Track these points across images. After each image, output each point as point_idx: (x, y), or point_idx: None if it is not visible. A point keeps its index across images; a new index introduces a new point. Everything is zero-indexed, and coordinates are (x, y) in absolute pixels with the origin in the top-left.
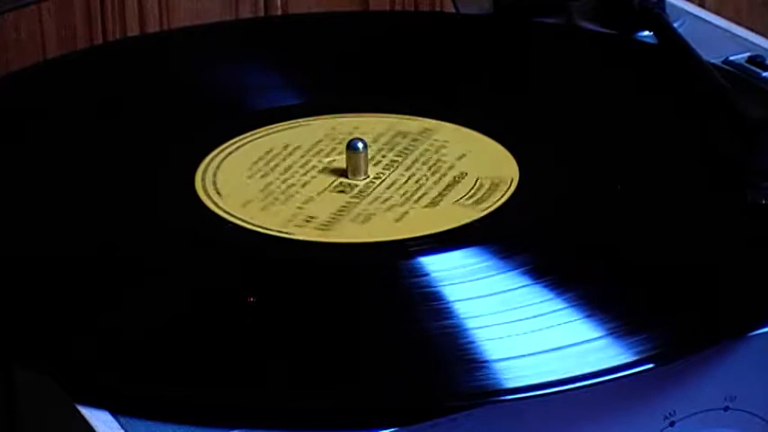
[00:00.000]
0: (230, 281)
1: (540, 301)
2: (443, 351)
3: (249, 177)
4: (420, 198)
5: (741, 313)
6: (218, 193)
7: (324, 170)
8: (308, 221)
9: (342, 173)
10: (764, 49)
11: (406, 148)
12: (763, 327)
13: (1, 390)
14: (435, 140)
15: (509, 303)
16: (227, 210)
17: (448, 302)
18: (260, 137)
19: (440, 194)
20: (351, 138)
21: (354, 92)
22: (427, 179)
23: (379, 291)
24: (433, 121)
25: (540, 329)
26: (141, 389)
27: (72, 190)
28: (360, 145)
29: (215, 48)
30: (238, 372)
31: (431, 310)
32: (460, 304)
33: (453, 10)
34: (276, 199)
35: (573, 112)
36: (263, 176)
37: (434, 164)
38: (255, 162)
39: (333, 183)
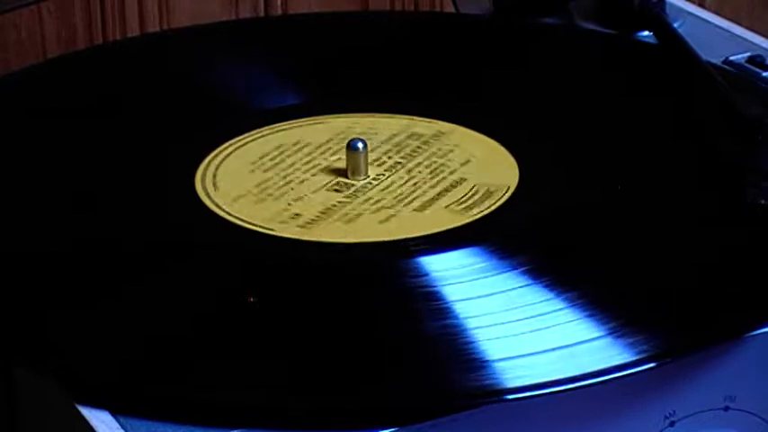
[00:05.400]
0: (221, 280)
1: (541, 301)
2: (443, 351)
3: (251, 172)
4: (411, 201)
5: (741, 313)
6: (215, 186)
7: (326, 169)
8: (293, 218)
9: (343, 172)
10: (764, 49)
11: (414, 151)
12: (763, 327)
13: (1, 390)
14: (446, 144)
15: (509, 303)
16: (218, 203)
17: (447, 302)
18: (272, 133)
19: (432, 199)
20: (352, 137)
21: (358, 92)
22: (425, 183)
23: (366, 291)
24: (448, 124)
25: (540, 329)
26: (141, 389)
27: (72, 190)
28: (360, 145)
29: (215, 48)
30: (238, 372)
31: (428, 310)
32: (460, 304)
33: (453, 10)
34: (270, 195)
35: (576, 115)
36: (264, 171)
37: (437, 168)
38: (261, 157)
39: (330, 181)
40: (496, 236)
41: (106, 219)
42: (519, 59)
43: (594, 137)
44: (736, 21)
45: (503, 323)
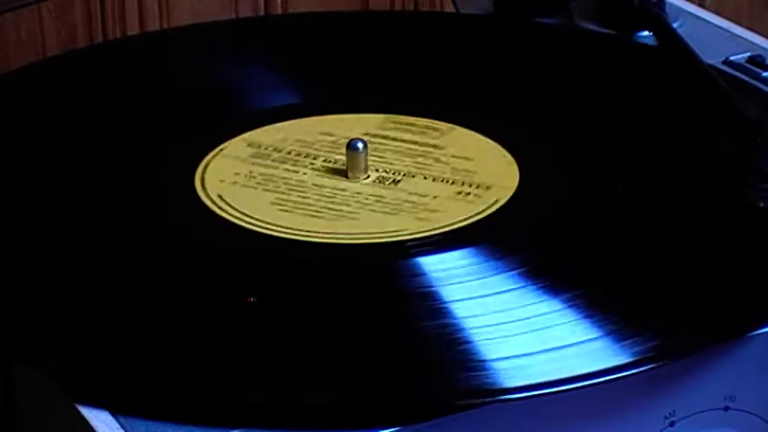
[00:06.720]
0: (221, 279)
1: (541, 302)
2: (443, 351)
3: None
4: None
5: (741, 313)
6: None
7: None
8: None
9: (342, 172)
10: (764, 49)
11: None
12: (763, 327)
13: (1, 389)
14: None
15: (510, 303)
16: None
17: (447, 303)
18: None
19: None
20: (352, 137)
21: (358, 92)
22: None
23: (366, 290)
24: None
25: (540, 329)
26: (141, 389)
27: (72, 189)
28: (360, 145)
29: (215, 47)
30: (238, 372)
31: (428, 311)
32: (459, 305)
33: (453, 9)
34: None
35: (576, 115)
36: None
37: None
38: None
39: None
40: (498, 236)
41: (106, 219)
42: (519, 59)
43: (594, 137)
44: (736, 21)
45: (505, 323)
